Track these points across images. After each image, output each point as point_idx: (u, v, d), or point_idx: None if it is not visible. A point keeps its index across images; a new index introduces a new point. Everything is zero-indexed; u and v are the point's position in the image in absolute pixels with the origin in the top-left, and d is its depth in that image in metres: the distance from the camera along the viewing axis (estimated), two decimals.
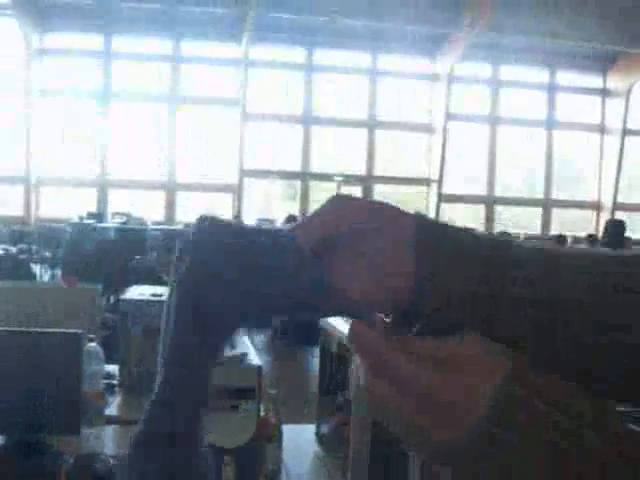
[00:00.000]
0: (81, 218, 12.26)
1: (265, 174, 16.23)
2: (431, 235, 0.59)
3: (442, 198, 16.38)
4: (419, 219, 0.59)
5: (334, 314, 0.62)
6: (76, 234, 9.94)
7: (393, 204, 0.60)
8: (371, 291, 0.58)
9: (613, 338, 0.57)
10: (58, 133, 15.22)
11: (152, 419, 0.63)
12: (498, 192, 17.26)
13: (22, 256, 9.16)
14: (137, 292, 3.42)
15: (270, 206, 16.65)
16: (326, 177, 16.17)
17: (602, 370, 0.57)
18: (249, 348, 2.17)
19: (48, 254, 10.44)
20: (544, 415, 0.47)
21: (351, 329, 0.53)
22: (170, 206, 15.68)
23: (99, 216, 13.04)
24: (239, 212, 14.74)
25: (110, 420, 2.80)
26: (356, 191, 16.66)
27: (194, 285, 0.61)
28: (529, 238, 15.09)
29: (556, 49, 16.10)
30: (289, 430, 2.29)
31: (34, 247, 10.90)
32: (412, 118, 16.79)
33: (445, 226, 0.60)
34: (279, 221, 12.48)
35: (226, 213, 14.73)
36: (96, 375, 2.83)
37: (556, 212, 17.56)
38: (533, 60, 16.51)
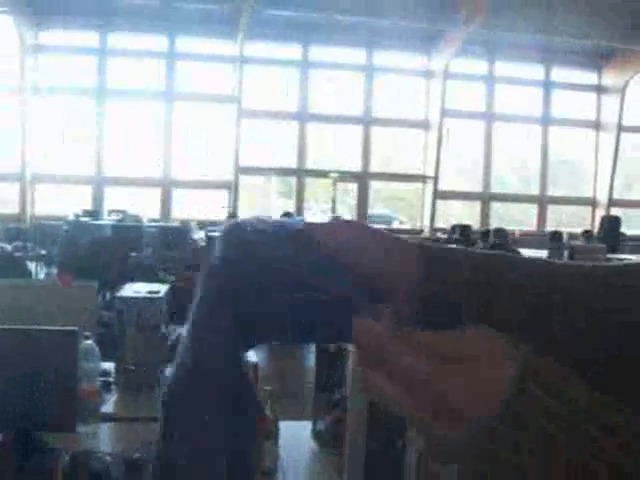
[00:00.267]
0: (77, 215, 12.23)
1: (261, 171, 16.22)
2: (428, 247, 0.63)
3: (438, 195, 16.38)
4: (419, 244, 0.63)
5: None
6: (72, 231, 9.91)
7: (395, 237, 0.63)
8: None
9: (607, 323, 0.57)
10: (54, 130, 15.19)
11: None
12: (494, 188, 17.27)
13: (18, 254, 9.13)
14: (133, 289, 3.42)
15: (266, 203, 16.64)
16: (322, 174, 16.16)
17: (597, 355, 0.58)
18: None
19: (44, 252, 10.41)
20: (551, 413, 0.46)
21: (353, 324, 0.53)
22: (166, 203, 15.65)
23: (95, 213, 13.02)
24: (235, 209, 14.72)
25: (106, 418, 2.80)
26: (352, 188, 16.68)
27: (230, 282, 0.60)
28: (525, 234, 15.10)
29: (551, 45, 16.12)
30: (286, 427, 2.29)
31: (30, 245, 10.87)
32: (408, 115, 16.78)
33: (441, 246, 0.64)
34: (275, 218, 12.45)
35: (221, 210, 14.73)
36: (92, 373, 2.83)
37: (552, 208, 17.58)
38: (528, 56, 16.52)
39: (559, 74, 17.28)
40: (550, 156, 17.48)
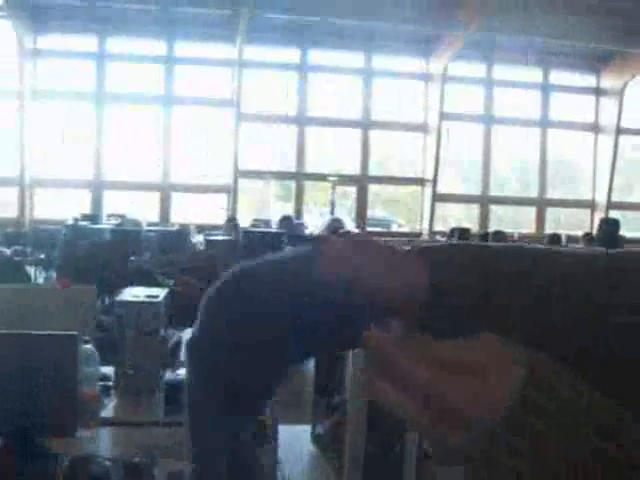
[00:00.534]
0: (76, 220, 12.21)
1: (260, 174, 16.23)
2: (426, 252, 0.64)
3: (436, 197, 16.39)
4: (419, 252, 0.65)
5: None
6: (71, 236, 9.91)
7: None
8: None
9: (607, 314, 0.58)
10: (52, 134, 15.19)
11: None
12: (493, 191, 17.28)
13: (17, 258, 9.12)
14: (132, 293, 3.42)
15: (265, 206, 16.65)
16: (321, 177, 16.17)
17: (597, 346, 0.58)
18: None
19: (43, 256, 10.41)
20: (553, 420, 0.47)
21: (364, 334, 0.54)
22: (165, 207, 15.66)
23: (94, 217, 13.01)
24: (234, 213, 14.73)
25: (105, 422, 2.80)
26: (351, 191, 16.69)
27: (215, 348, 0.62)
28: (523, 237, 15.11)
29: (550, 48, 16.13)
30: (284, 430, 2.29)
31: (29, 249, 10.87)
32: (406, 118, 16.80)
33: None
34: (274, 221, 12.46)
35: (221, 213, 14.73)
36: (91, 377, 2.83)
37: (550, 211, 17.59)
38: (527, 59, 16.54)
39: (557, 77, 17.30)
40: (549, 159, 17.50)
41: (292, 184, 16.48)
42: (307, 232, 11.45)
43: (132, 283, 3.84)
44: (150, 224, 12.91)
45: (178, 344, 3.52)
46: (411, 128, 16.79)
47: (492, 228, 14.20)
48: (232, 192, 15.58)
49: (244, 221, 12.64)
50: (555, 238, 11.46)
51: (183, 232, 10.77)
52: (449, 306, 0.59)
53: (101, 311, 4.91)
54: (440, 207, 16.66)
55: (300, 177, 16.29)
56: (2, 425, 2.36)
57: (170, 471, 2.23)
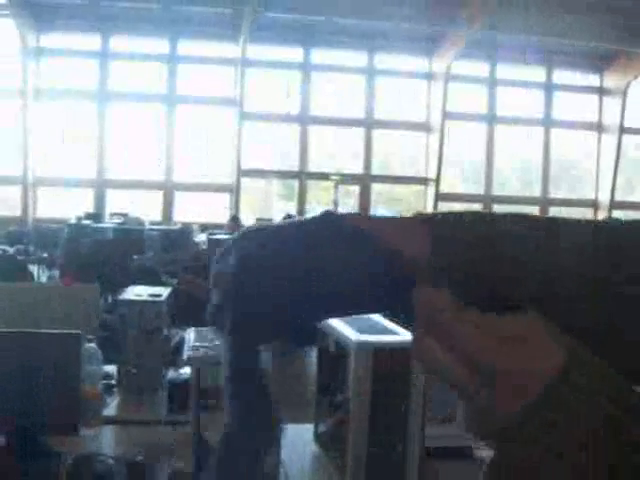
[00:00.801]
0: (79, 218, 12.23)
1: (263, 173, 16.23)
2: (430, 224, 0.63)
3: (439, 197, 16.38)
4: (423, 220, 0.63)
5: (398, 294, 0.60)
6: (74, 234, 9.92)
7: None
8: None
9: (608, 287, 0.59)
10: (55, 133, 15.21)
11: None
12: (495, 191, 17.27)
13: (20, 257, 9.14)
14: (135, 292, 3.42)
15: (267, 205, 16.65)
16: (323, 176, 16.17)
17: (599, 322, 0.59)
18: None
19: (45, 255, 10.42)
20: (591, 402, 0.48)
21: (416, 290, 0.54)
22: (168, 206, 15.67)
23: (97, 216, 13.02)
24: (237, 212, 14.73)
25: (108, 420, 2.81)
26: (353, 190, 16.68)
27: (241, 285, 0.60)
28: None
29: (553, 48, 16.11)
30: (287, 430, 2.29)
31: (31, 248, 10.89)
32: (409, 117, 16.79)
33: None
34: (276, 220, 12.46)
35: (224, 212, 14.74)
36: (94, 376, 2.84)
37: (553, 210, 17.56)
38: (530, 58, 16.51)
39: (560, 76, 17.28)
40: (551, 158, 17.48)
41: (295, 183, 16.48)
42: None
43: (135, 282, 3.85)
44: (153, 223, 12.92)
45: (181, 343, 3.52)
46: (414, 127, 16.78)
47: None
48: (235, 191, 15.59)
49: (247, 220, 12.65)
50: None
51: (186, 231, 10.76)
52: (446, 282, 0.59)
53: (104, 310, 4.92)
54: (443, 206, 16.64)
55: (303, 176, 16.29)
56: (5, 424, 2.36)
57: (173, 469, 2.24)
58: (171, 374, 3.06)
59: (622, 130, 16.82)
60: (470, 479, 2.62)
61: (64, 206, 14.60)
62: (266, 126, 16.27)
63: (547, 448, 0.48)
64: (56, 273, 9.23)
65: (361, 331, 2.01)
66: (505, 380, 0.50)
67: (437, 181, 16.27)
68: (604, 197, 17.22)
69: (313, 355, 2.97)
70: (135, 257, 7.53)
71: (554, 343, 0.51)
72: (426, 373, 0.56)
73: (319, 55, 16.17)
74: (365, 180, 16.59)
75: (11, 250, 9.72)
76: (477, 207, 17.18)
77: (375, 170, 16.75)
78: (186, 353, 2.47)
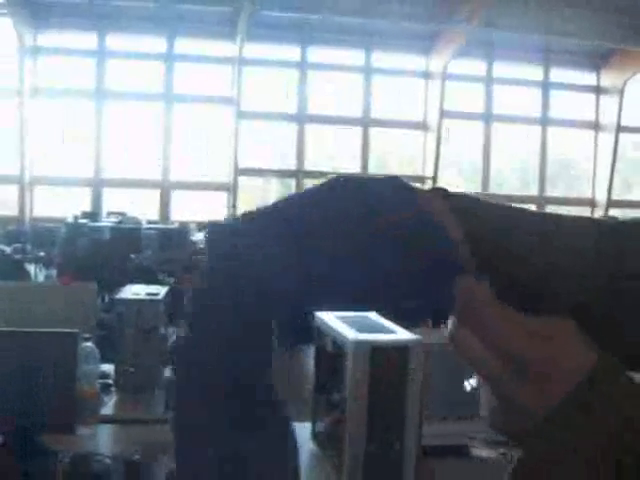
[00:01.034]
0: (76, 217, 12.22)
1: (260, 172, 16.22)
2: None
3: None
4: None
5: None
6: (71, 233, 9.93)
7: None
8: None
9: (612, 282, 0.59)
10: (52, 132, 15.18)
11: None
12: (492, 189, 17.27)
13: (17, 256, 9.13)
14: (132, 291, 3.42)
15: (265, 204, 16.62)
16: (321, 175, 16.15)
17: (604, 317, 0.59)
18: None
19: (43, 254, 10.41)
20: (618, 408, 0.49)
21: (458, 279, 0.53)
22: (165, 205, 15.65)
23: (94, 215, 13.00)
24: (234, 210, 14.73)
25: (106, 419, 2.81)
26: None
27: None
28: None
29: (550, 46, 16.12)
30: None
31: (29, 247, 10.87)
32: (406, 116, 16.78)
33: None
34: None
35: (222, 211, 14.74)
36: (91, 374, 2.84)
37: (550, 209, 17.57)
38: (527, 57, 16.52)
39: (558, 74, 17.28)
40: (549, 157, 17.48)
41: (292, 182, 16.48)
42: None
43: (132, 281, 3.85)
44: (150, 222, 12.92)
45: (179, 341, 3.53)
46: (411, 126, 16.78)
47: None
48: (232, 190, 15.58)
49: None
50: None
51: (183, 230, 10.77)
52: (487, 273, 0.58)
53: (101, 309, 4.93)
54: None
55: (300, 175, 16.28)
56: (2, 423, 2.36)
57: (170, 468, 2.24)
58: (168, 373, 3.07)
59: (619, 129, 16.83)
60: (467, 478, 2.62)
61: (61, 205, 14.58)
62: (263, 125, 16.26)
63: (570, 449, 0.49)
64: (53, 272, 9.23)
65: (358, 330, 2.01)
66: (537, 376, 0.51)
67: (434, 180, 16.27)
68: (601, 196, 17.24)
69: (310, 354, 2.97)
70: (132, 256, 7.54)
71: (585, 346, 0.52)
72: (463, 363, 0.55)
73: (316, 53, 16.15)
74: None
75: (8, 249, 9.70)
76: None
77: (372, 169, 16.74)
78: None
